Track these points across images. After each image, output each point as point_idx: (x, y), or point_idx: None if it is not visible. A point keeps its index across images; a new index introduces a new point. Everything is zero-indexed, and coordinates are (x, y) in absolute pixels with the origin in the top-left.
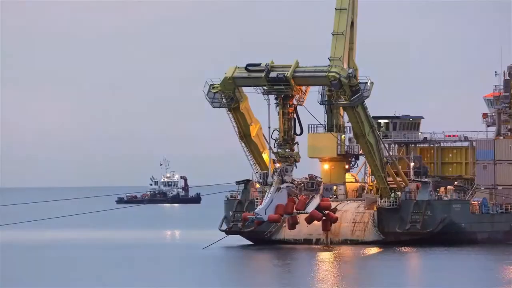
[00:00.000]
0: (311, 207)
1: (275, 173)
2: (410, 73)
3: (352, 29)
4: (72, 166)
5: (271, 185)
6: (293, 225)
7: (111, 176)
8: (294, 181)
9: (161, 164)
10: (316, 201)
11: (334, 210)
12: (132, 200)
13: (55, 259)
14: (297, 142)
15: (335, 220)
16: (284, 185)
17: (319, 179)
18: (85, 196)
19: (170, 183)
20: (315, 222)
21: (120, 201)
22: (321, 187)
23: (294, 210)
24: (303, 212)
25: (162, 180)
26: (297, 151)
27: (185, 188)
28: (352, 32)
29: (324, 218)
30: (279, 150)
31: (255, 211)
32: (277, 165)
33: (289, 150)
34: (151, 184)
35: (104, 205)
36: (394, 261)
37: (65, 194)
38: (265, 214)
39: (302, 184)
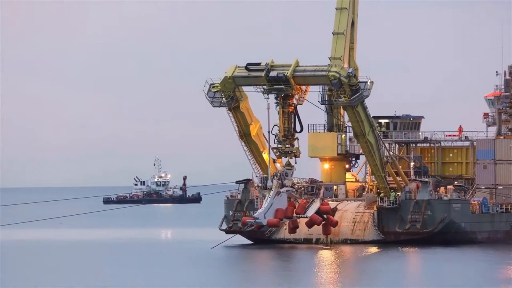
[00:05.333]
0: (311, 211)
1: (275, 177)
2: (410, 72)
3: (352, 28)
4: (70, 167)
5: (270, 189)
6: (293, 229)
7: (106, 176)
8: (294, 185)
9: (154, 164)
10: (316, 205)
11: (335, 210)
12: (125, 200)
13: (56, 259)
14: (297, 138)
15: (335, 224)
16: (284, 189)
17: (320, 183)
18: (83, 196)
19: (163, 182)
20: None
21: (108, 201)
22: (321, 191)
23: (294, 214)
24: (303, 216)
25: (156, 180)
26: (297, 146)
27: (183, 187)
28: (352, 31)
29: (324, 222)
30: (279, 146)
31: (254, 215)
32: (277, 165)
33: (289, 146)
34: (136, 184)
35: (92, 205)
36: (394, 260)
37: (59, 195)
38: (264, 218)
39: (302, 188)
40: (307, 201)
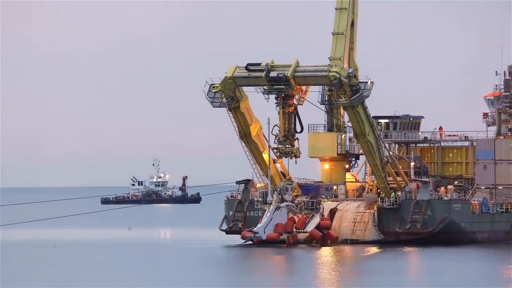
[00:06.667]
0: (310, 226)
1: (275, 192)
2: (410, 72)
3: (352, 28)
4: (69, 166)
5: (270, 203)
6: (294, 243)
7: (104, 177)
8: (294, 200)
9: (153, 165)
10: (316, 220)
11: (335, 210)
12: (124, 200)
13: (56, 259)
14: (297, 138)
15: (335, 239)
16: (284, 204)
17: (320, 198)
18: (81, 197)
19: (162, 183)
20: None
21: (106, 201)
22: (321, 206)
23: (294, 229)
24: (302, 231)
25: (154, 180)
26: (298, 146)
27: (182, 188)
28: (352, 31)
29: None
30: (280, 146)
31: (254, 229)
32: (277, 165)
33: (289, 146)
34: (133, 185)
35: (90, 206)
36: (394, 260)
37: (57, 195)
38: (264, 232)
39: (302, 203)
40: (307, 216)
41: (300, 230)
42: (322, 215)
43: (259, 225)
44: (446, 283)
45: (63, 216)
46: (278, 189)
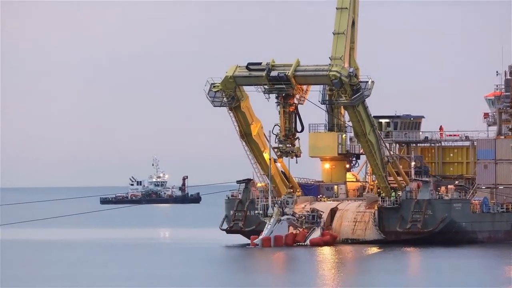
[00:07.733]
0: None
1: (276, 205)
2: (411, 72)
3: (353, 28)
4: (70, 167)
5: (271, 216)
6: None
7: (103, 177)
8: (295, 214)
9: (153, 164)
10: (316, 234)
11: (335, 210)
12: (124, 200)
13: (57, 259)
14: (298, 138)
15: (335, 238)
16: (285, 217)
17: (321, 212)
18: (81, 196)
19: (161, 183)
20: None
21: (106, 201)
22: (322, 220)
23: (294, 242)
24: (303, 244)
25: (154, 180)
26: (298, 146)
27: (182, 188)
28: (353, 31)
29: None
30: (280, 145)
31: (255, 241)
32: (278, 164)
33: (290, 145)
34: (132, 185)
35: (89, 206)
36: (395, 260)
37: (56, 195)
38: None
39: (303, 217)
40: (308, 230)
41: (300, 243)
42: (323, 229)
43: (259, 238)
44: (446, 283)
45: (62, 216)
46: (279, 202)
